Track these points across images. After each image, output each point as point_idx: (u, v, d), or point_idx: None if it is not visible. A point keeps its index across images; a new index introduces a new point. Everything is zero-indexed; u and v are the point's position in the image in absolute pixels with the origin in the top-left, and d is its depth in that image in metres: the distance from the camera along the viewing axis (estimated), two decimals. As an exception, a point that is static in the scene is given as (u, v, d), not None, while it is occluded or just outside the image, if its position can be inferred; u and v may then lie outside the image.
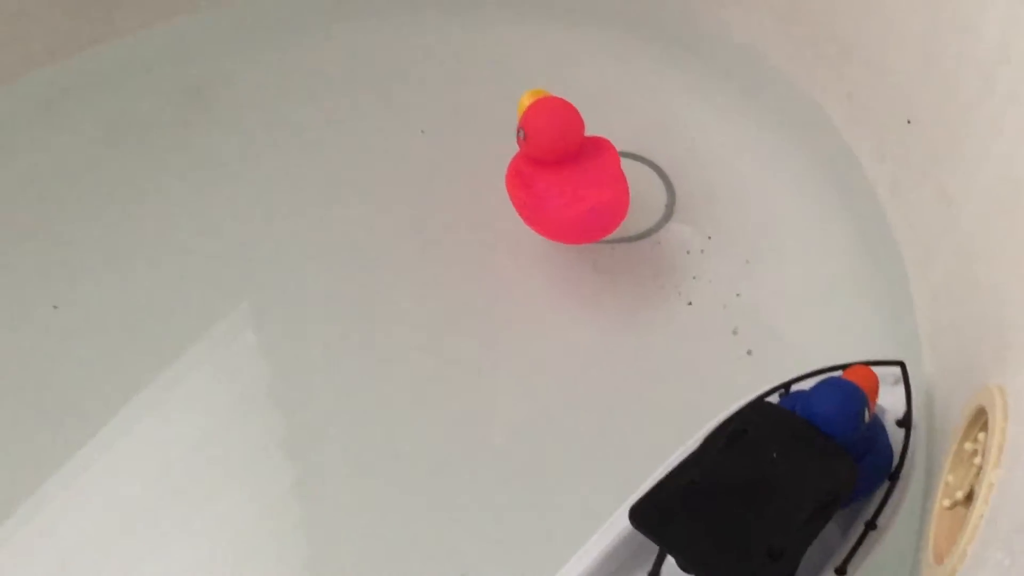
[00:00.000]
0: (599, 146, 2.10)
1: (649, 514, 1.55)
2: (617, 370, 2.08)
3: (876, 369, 1.77)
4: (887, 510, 1.67)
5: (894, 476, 1.70)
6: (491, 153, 2.28)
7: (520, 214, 2.11)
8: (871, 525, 1.65)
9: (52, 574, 1.88)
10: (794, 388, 1.81)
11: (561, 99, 2.08)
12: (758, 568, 1.48)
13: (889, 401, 1.79)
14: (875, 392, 1.68)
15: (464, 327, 2.14)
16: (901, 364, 1.81)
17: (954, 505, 1.56)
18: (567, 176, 2.06)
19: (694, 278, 2.18)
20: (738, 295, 2.15)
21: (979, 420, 1.58)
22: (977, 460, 1.53)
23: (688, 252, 2.21)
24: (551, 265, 2.18)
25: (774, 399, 1.80)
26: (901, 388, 1.79)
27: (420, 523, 1.91)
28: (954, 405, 1.74)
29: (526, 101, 2.10)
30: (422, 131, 2.42)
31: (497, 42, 2.59)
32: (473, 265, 2.21)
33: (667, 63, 2.51)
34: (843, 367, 1.80)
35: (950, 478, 1.60)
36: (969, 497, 1.53)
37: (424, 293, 2.18)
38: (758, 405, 1.74)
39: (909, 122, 2.05)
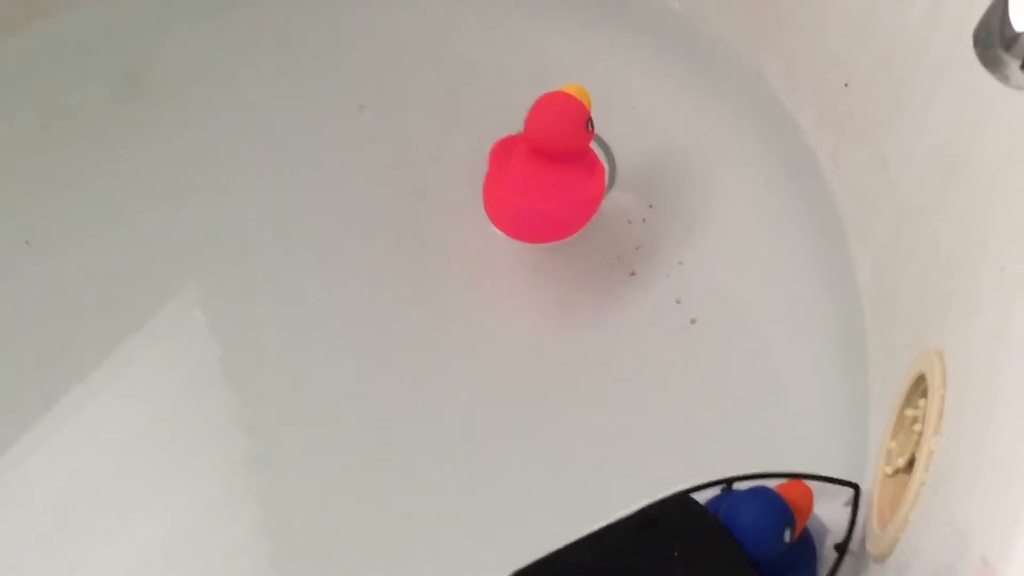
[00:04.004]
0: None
1: None
2: (558, 344, 2.07)
3: (828, 487, 1.68)
4: None
5: None
6: (440, 133, 2.30)
7: (483, 187, 2.07)
8: None
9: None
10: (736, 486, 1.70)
11: (580, 104, 1.96)
12: None
13: (836, 521, 1.68)
14: (806, 514, 1.58)
15: (412, 311, 2.11)
16: (855, 487, 1.70)
17: (896, 472, 1.58)
18: (540, 174, 1.97)
19: (636, 248, 2.17)
20: (680, 263, 2.15)
21: (920, 386, 1.60)
22: (918, 427, 1.55)
23: (630, 222, 2.21)
24: (492, 236, 2.15)
25: (716, 491, 1.68)
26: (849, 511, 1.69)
27: (373, 502, 1.92)
28: (896, 371, 1.75)
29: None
30: (360, 106, 2.38)
31: (436, 21, 2.53)
32: (419, 237, 2.18)
33: (605, 31, 2.47)
34: (790, 476, 1.67)
35: (892, 444, 1.62)
36: (911, 464, 1.55)
37: (370, 268, 2.16)
38: (680, 498, 1.62)
39: (847, 85, 2.06)
